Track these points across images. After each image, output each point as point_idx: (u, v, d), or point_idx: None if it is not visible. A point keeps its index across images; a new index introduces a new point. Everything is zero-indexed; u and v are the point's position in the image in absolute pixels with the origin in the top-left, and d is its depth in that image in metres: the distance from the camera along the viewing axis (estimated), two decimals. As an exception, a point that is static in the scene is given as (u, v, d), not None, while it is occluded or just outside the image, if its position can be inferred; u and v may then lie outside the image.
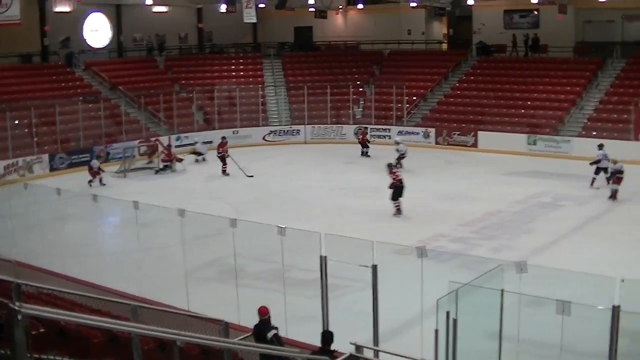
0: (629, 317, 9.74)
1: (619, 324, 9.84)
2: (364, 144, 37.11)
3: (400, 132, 39.66)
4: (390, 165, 25.58)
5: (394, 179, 24.38)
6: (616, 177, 25.97)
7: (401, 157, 32.59)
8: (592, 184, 27.96)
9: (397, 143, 33.15)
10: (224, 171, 31.71)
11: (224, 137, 33.66)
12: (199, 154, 35.54)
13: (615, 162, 26.35)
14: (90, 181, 30.11)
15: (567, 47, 42.76)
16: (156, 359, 8.87)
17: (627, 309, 9.77)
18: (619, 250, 20.35)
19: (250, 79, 45.07)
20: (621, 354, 10.29)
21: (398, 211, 24.26)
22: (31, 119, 34.27)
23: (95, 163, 30.83)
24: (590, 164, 28.11)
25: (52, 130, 34.92)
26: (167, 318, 11.98)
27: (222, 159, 31.88)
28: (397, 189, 24.32)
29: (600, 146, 28.56)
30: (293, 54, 49.30)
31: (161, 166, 32.97)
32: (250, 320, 11.99)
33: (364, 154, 36.63)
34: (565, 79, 40.79)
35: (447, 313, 10.73)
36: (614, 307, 9.76)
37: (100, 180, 30.30)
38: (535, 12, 46.06)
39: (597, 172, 27.93)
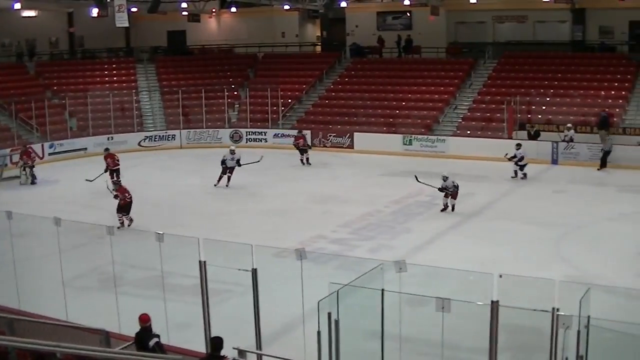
0: (507, 312, 9.84)
1: (498, 319, 9.93)
2: (303, 149, 34.87)
3: (276, 135, 39.72)
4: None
5: None
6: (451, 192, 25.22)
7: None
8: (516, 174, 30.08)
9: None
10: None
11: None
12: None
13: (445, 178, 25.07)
14: None
15: (440, 48, 43.62)
16: (35, 373, 8.51)
17: (505, 304, 9.86)
18: (497, 247, 20.74)
19: (124, 84, 44.08)
20: (501, 348, 10.40)
21: None
22: None
23: None
24: (509, 159, 30.14)
25: None
26: (46, 330, 11.58)
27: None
28: None
29: (519, 145, 30.52)
30: (167, 58, 48.67)
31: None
32: (132, 328, 11.65)
33: (304, 161, 34.58)
34: (439, 79, 41.62)
35: (329, 314, 10.66)
36: (492, 302, 9.84)
37: None
38: (408, 14, 46.82)
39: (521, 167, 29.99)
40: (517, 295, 10.40)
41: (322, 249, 20.25)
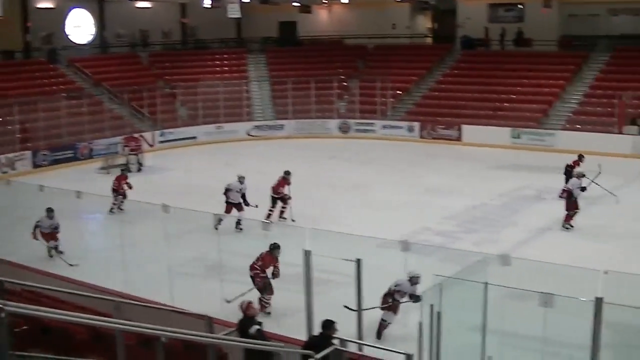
0: (612, 309, 9.77)
1: (602, 316, 9.87)
2: (120, 192, 24.86)
3: (385, 127, 39.80)
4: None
5: None
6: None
7: None
8: None
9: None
10: None
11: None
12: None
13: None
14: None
15: (552, 41, 42.87)
16: (140, 355, 8.83)
17: (610, 301, 9.80)
18: (604, 244, 20.44)
19: (235, 74, 44.91)
20: (604, 346, 10.33)
21: None
22: (13, 116, 34.08)
23: None
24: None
25: (34, 127, 34.69)
26: (150, 314, 11.94)
27: None
28: None
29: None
30: (277, 49, 49.19)
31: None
32: (236, 315, 11.98)
33: (116, 206, 24.67)
34: (550, 73, 40.85)
35: (431, 306, 10.74)
36: (597, 298, 9.79)
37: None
38: (520, 6, 46.14)
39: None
40: (623, 293, 10.28)
41: (426, 240, 20.29)
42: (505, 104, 39.69)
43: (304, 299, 13.00)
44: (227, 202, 22.65)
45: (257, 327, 11.35)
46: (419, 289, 13.54)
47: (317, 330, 11.18)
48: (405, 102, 42.58)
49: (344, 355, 10.45)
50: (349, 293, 13.07)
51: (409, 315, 13.46)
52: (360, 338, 12.70)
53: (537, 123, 37.51)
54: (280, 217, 23.38)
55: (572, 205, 21.87)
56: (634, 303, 9.55)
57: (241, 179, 22.85)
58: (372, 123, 40.88)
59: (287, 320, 14.03)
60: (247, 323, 11.47)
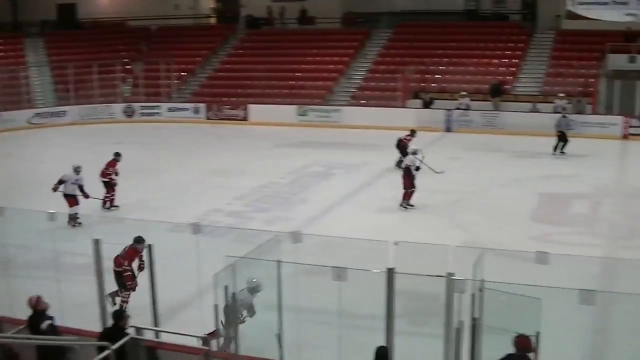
0: (403, 279, 9.86)
1: (394, 286, 9.95)
2: None
3: (171, 109, 39.18)
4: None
5: None
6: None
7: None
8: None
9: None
10: None
11: None
12: None
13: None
14: None
15: (335, 19, 43.56)
16: None
17: (401, 271, 9.88)
18: (392, 215, 20.86)
19: (11, 60, 42.55)
20: (398, 315, 10.43)
21: None
22: None
23: None
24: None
25: None
26: None
27: None
28: None
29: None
30: (56, 32, 47.08)
31: None
32: (26, 312, 11.25)
33: None
34: (334, 50, 41.67)
35: (226, 287, 10.51)
36: (388, 269, 9.85)
37: None
38: (303, -16, 46.61)
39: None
40: (413, 262, 10.40)
41: (217, 222, 19.99)
42: (290, 82, 40.02)
43: (96, 289, 12.41)
44: (64, 194, 20.31)
45: (49, 321, 10.73)
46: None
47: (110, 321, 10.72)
48: (191, 84, 42.24)
49: (140, 343, 10.21)
50: (142, 281, 12.63)
51: (204, 298, 13.14)
52: (156, 325, 12.28)
53: (323, 100, 38.06)
54: (112, 205, 22.19)
55: (410, 183, 21.89)
56: (424, 271, 9.65)
57: (77, 169, 20.57)
58: (157, 106, 40.07)
59: (80, 312, 13.36)
60: (37, 318, 10.81)
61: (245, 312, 12.28)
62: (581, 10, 35.79)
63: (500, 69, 37.90)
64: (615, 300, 11.89)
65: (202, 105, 38.91)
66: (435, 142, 31.14)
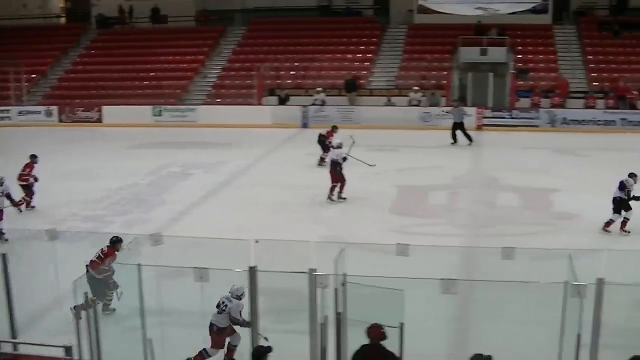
0: (266, 276, 9.91)
1: (257, 284, 9.99)
2: None
3: (21, 112, 37.99)
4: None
5: None
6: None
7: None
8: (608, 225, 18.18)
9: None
10: None
11: None
12: None
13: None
14: None
15: (189, 17, 43.28)
16: None
17: (263, 269, 9.92)
18: (252, 213, 20.86)
19: None
20: (263, 312, 10.51)
21: None
22: None
23: None
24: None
25: None
26: None
27: None
28: None
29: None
30: None
31: None
32: None
33: None
34: (188, 48, 41.43)
35: (85, 294, 10.29)
36: (250, 268, 9.88)
37: None
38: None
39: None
40: (275, 259, 10.46)
41: (75, 227, 19.54)
42: (145, 82, 39.54)
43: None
44: None
45: None
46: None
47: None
48: (42, 86, 41.06)
49: (-3, 356, 9.83)
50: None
51: (64, 306, 12.81)
52: (14, 337, 11.89)
53: (178, 99, 37.76)
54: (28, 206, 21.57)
55: (338, 177, 21.82)
56: (286, 268, 9.72)
57: (1, 180, 18.95)
58: (7, 110, 38.68)
59: None
60: None
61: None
62: (433, 5, 36.89)
63: (355, 64, 38.52)
64: (475, 288, 12.23)
65: (54, 108, 37.92)
66: (292, 139, 31.40)
